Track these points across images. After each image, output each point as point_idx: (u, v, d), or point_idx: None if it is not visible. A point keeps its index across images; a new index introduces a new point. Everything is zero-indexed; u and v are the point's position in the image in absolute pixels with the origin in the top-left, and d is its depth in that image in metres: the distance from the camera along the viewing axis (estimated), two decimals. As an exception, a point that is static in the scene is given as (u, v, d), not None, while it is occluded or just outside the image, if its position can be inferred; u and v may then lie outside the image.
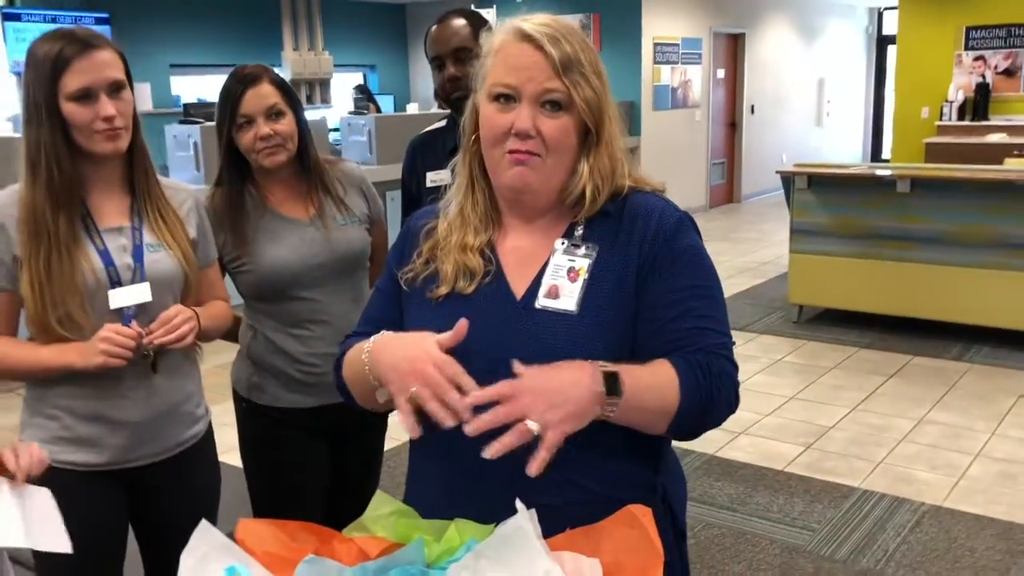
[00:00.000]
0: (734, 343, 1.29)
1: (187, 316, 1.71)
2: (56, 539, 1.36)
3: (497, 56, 1.24)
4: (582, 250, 1.26)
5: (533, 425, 1.07)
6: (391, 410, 1.41)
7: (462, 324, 1.18)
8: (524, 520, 1.04)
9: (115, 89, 1.64)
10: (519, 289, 1.27)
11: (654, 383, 1.17)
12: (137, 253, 1.71)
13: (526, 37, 1.21)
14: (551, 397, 1.08)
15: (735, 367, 1.27)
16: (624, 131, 1.30)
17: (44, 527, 1.36)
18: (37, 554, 1.75)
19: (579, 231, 1.28)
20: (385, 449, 2.35)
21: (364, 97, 9.74)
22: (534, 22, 1.23)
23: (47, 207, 1.63)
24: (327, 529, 1.24)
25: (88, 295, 1.65)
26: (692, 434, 1.26)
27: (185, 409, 1.82)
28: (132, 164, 1.73)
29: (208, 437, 1.91)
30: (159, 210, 1.76)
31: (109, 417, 1.71)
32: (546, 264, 1.27)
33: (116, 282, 1.68)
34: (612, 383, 1.11)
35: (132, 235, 1.72)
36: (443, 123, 2.30)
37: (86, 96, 1.61)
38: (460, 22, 2.17)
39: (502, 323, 1.25)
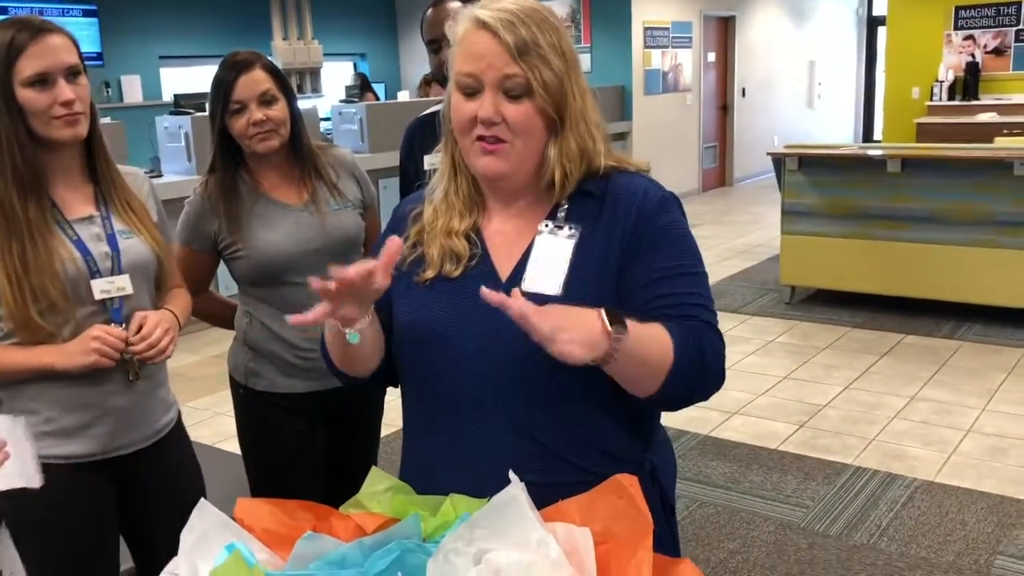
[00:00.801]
0: (718, 322, 1.29)
1: (167, 328, 1.70)
2: (27, 474, 1.33)
3: (460, 46, 1.25)
4: (565, 231, 1.27)
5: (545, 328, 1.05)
6: (384, 384, 1.43)
7: (392, 241, 1.17)
8: (517, 490, 1.06)
9: (72, 74, 1.61)
10: (504, 271, 1.28)
11: (652, 335, 1.17)
12: (112, 241, 1.69)
13: (483, 25, 1.22)
14: (564, 319, 1.07)
15: (722, 343, 1.28)
16: (597, 108, 1.30)
17: (13, 463, 1.32)
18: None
19: (562, 213, 1.29)
20: (382, 435, 2.37)
21: (358, 86, 9.72)
22: (492, 8, 1.23)
23: (13, 196, 1.59)
24: (324, 506, 1.26)
25: (71, 284, 1.62)
26: (681, 400, 1.24)
27: (160, 395, 1.81)
28: (92, 152, 1.71)
29: (180, 423, 1.90)
30: (124, 197, 1.74)
31: (96, 404, 1.69)
32: (531, 246, 1.28)
33: (95, 271, 1.66)
34: (617, 318, 1.10)
35: (103, 223, 1.70)
36: (440, 106, 2.31)
37: (42, 81, 1.57)
38: (455, 4, 2.18)
39: (486, 305, 1.26)
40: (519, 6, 1.24)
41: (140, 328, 1.67)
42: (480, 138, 1.24)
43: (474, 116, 1.23)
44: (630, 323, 1.11)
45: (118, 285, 1.67)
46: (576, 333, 1.06)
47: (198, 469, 1.93)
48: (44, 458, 1.63)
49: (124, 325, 1.68)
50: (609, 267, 1.25)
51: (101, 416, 1.70)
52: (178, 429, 1.88)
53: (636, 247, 1.26)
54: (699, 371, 1.21)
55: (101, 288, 1.65)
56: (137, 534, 1.86)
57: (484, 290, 1.08)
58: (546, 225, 1.28)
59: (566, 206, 1.29)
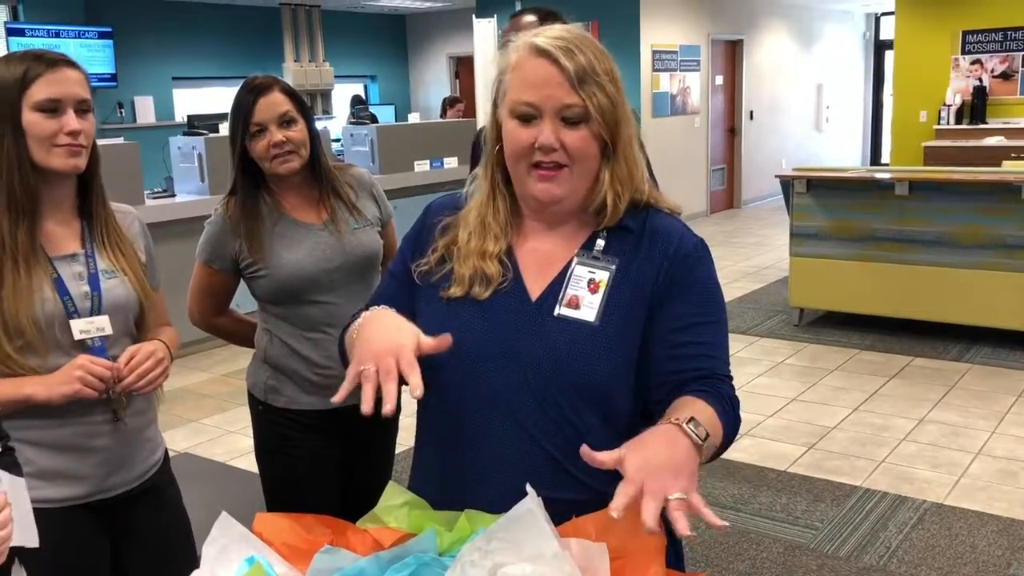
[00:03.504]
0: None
1: (160, 358, 1.66)
2: (26, 533, 1.30)
3: (515, 73, 1.26)
4: (602, 262, 1.30)
5: (675, 496, 1.04)
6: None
7: (445, 338, 1.19)
8: (533, 503, 1.08)
9: (82, 109, 1.60)
10: (535, 291, 1.30)
11: (710, 420, 1.18)
12: (93, 281, 1.65)
13: (541, 52, 1.23)
14: (669, 470, 1.05)
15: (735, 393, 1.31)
16: (638, 136, 1.33)
17: (19, 521, 1.29)
18: None
19: (600, 244, 1.31)
20: (395, 452, 2.38)
21: (364, 107, 9.82)
22: (548, 35, 1.25)
23: (5, 221, 1.56)
24: (341, 521, 1.28)
25: (49, 323, 1.58)
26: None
27: (147, 435, 1.77)
28: (90, 190, 1.69)
29: (167, 464, 1.85)
30: (115, 237, 1.71)
31: (77, 445, 1.64)
32: (564, 270, 1.30)
33: (73, 312, 1.61)
34: (697, 427, 1.11)
35: (86, 262, 1.66)
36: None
37: (52, 108, 1.57)
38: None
39: (515, 324, 1.28)
40: (572, 33, 1.26)
41: (130, 359, 1.63)
42: (537, 164, 1.25)
43: (531, 143, 1.24)
44: (698, 417, 1.13)
45: (98, 325, 1.64)
46: (686, 473, 1.06)
47: (186, 519, 1.87)
48: (31, 500, 1.56)
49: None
50: (639, 303, 1.28)
51: (88, 455, 1.65)
52: (165, 471, 1.83)
53: (666, 291, 1.29)
54: (734, 432, 1.26)
55: (80, 328, 1.62)
56: None
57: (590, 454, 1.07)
58: (582, 254, 1.31)
59: (603, 237, 1.31)
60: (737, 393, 1.29)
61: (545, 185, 1.26)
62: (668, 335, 1.27)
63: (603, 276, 1.28)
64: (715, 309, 1.32)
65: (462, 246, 1.33)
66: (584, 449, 1.07)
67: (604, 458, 1.05)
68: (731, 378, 1.30)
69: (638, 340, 1.27)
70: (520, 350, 1.26)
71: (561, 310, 1.27)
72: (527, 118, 1.24)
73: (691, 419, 1.12)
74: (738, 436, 1.17)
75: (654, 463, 1.05)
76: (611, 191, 1.28)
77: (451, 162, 7.28)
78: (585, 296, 1.28)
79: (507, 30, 2.36)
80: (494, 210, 1.34)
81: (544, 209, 1.32)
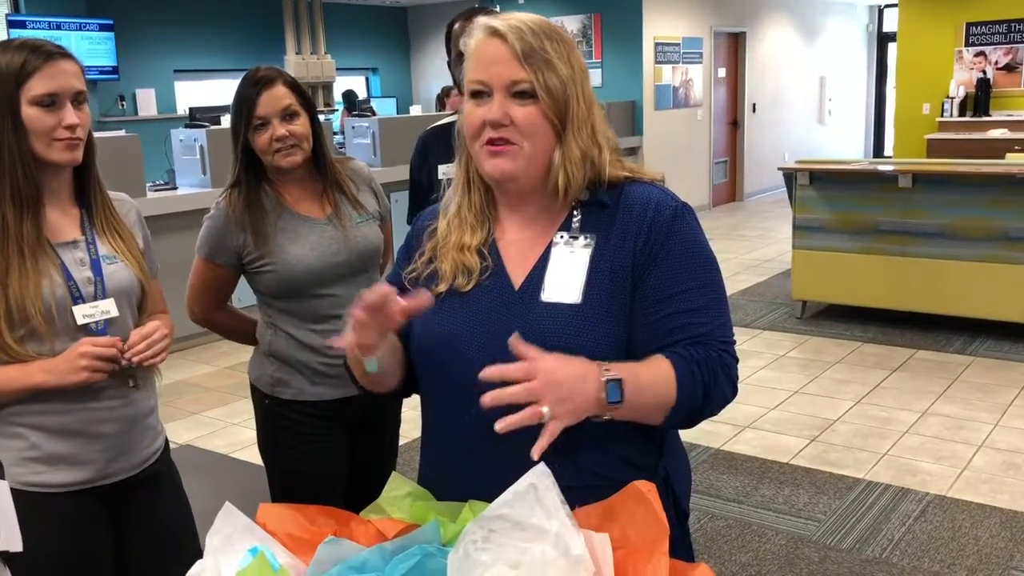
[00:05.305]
0: (733, 337, 1.31)
1: (165, 333, 1.68)
2: (9, 536, 1.28)
3: (472, 56, 1.29)
4: (581, 241, 1.30)
5: (545, 411, 1.12)
6: (408, 394, 1.45)
7: (424, 297, 1.21)
8: (535, 476, 1.08)
9: (79, 101, 1.62)
10: (517, 279, 1.31)
11: (652, 382, 1.21)
12: (96, 266, 1.67)
13: (493, 32, 1.27)
14: (562, 389, 1.13)
15: (733, 358, 1.29)
16: (604, 120, 1.33)
17: (2, 524, 1.27)
18: None
19: (576, 222, 1.31)
20: (399, 443, 2.38)
21: (364, 101, 9.80)
22: (503, 18, 1.28)
23: (10, 212, 1.57)
24: (345, 512, 1.28)
25: (59, 308, 1.60)
26: (686, 425, 1.30)
27: (149, 422, 1.78)
28: (86, 178, 1.70)
29: (167, 452, 1.86)
30: (113, 223, 1.74)
31: (84, 430, 1.65)
32: (544, 255, 1.31)
33: (78, 297, 1.63)
34: (614, 391, 1.16)
35: (87, 248, 1.68)
36: (454, 117, 2.35)
37: (51, 103, 1.58)
38: (484, 19, 2.25)
39: (500, 314, 1.29)
40: (530, 19, 1.28)
41: (141, 334, 1.64)
42: (490, 141, 1.26)
43: (484, 120, 1.26)
44: (629, 377, 1.18)
45: (102, 308, 1.65)
46: (570, 403, 1.14)
47: (188, 506, 1.88)
48: (29, 486, 1.60)
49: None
50: (622, 277, 1.27)
51: (93, 441, 1.67)
52: (166, 459, 1.84)
53: (648, 261, 1.28)
54: (703, 401, 1.25)
55: (84, 313, 1.63)
56: (127, 570, 1.80)
57: (511, 340, 1.15)
58: (561, 236, 1.31)
59: (579, 216, 1.31)
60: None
61: (496, 160, 1.27)
62: (651, 307, 1.27)
63: (582, 255, 1.29)
64: (700, 272, 1.29)
65: (441, 240, 1.36)
66: (512, 340, 1.15)
67: (522, 350, 1.14)
68: (727, 342, 1.28)
69: (625, 316, 1.27)
70: (505, 338, 1.26)
71: (546, 295, 1.28)
72: (479, 95, 1.27)
73: (619, 378, 1.17)
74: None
75: (557, 377, 1.14)
76: (563, 172, 1.28)
77: (453, 155, 7.26)
78: (567, 277, 1.28)
79: (460, 28, 2.32)
80: (469, 202, 1.36)
81: (502, 188, 1.33)
